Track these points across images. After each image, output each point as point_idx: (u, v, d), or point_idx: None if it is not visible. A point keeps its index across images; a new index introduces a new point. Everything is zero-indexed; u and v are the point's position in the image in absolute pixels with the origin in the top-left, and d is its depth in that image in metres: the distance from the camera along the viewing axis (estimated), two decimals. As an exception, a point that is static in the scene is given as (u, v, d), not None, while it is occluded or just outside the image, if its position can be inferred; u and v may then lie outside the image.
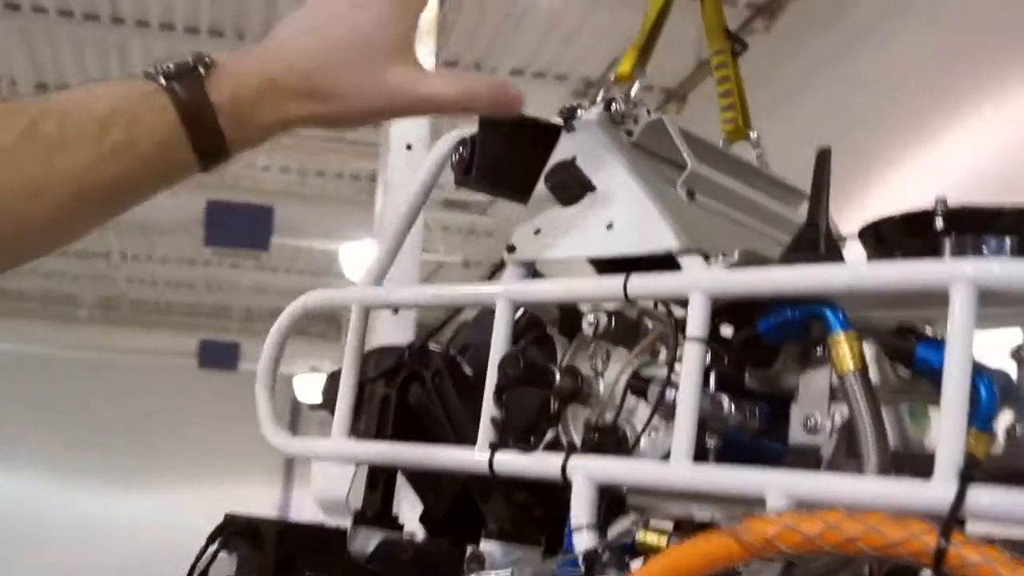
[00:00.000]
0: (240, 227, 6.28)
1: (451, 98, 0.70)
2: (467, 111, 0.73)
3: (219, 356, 8.54)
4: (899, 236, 0.74)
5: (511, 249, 0.79)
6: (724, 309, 0.71)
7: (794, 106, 4.09)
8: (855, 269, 0.64)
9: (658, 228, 0.72)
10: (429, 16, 3.04)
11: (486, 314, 0.82)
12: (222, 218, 6.01)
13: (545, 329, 0.82)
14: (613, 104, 0.81)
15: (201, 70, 0.65)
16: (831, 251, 0.68)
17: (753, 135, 0.97)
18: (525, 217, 0.79)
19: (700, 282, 0.68)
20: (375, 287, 0.84)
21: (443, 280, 8.86)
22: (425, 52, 3.45)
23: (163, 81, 0.65)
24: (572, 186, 0.77)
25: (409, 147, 3.19)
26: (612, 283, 0.71)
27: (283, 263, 8.31)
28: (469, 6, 4.70)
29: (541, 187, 0.79)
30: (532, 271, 0.82)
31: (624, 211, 0.74)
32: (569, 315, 0.79)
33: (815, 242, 0.68)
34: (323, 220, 6.96)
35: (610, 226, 0.74)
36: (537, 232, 0.78)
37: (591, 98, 0.85)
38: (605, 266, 0.78)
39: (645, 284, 0.70)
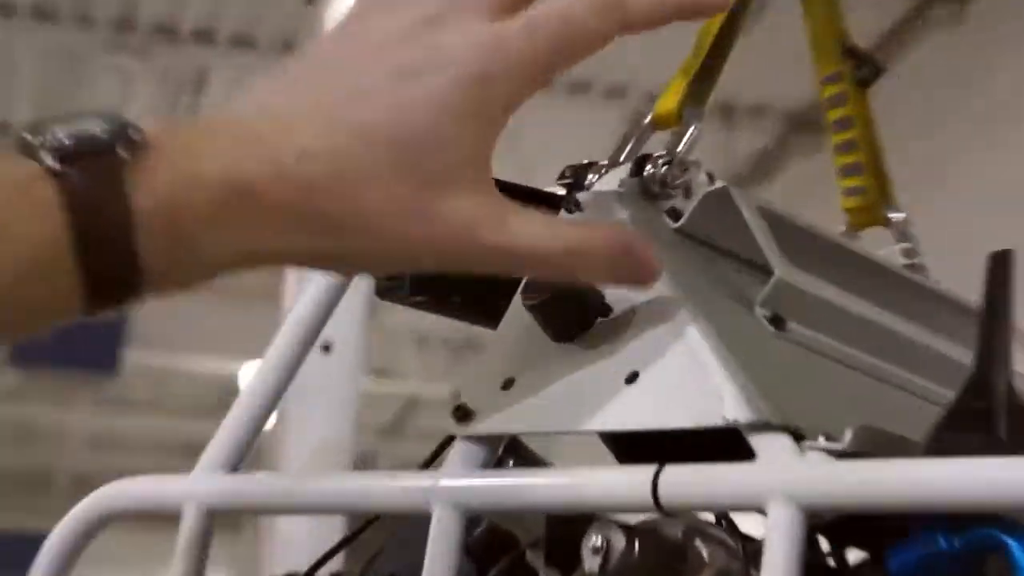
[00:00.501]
0: (75, 339, 6.34)
1: (551, 255, 0.68)
2: (573, 276, 0.72)
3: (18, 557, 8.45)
4: None
5: (463, 414, 0.78)
6: (843, 524, 0.69)
7: (998, 132, 4.12)
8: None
9: (715, 385, 0.70)
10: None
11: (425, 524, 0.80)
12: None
13: (523, 551, 0.81)
14: (648, 166, 0.81)
15: (121, 151, 0.62)
16: (1017, 431, 0.66)
17: (897, 217, 0.97)
18: (489, 357, 0.79)
19: (785, 484, 0.66)
20: (223, 475, 0.83)
21: (418, 425, 8.86)
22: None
23: (52, 162, 0.61)
24: (570, 308, 0.76)
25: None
26: (631, 480, 0.70)
27: (145, 393, 8.34)
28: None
29: (518, 306, 0.79)
30: (508, 446, 0.81)
31: (658, 352, 0.73)
32: (562, 531, 0.77)
33: (986, 415, 0.66)
34: (210, 326, 7.01)
35: (633, 378, 0.73)
36: (508, 384, 0.77)
37: (611, 157, 0.84)
38: (623, 443, 0.78)
39: (689, 484, 0.68)
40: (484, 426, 0.77)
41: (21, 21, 5.26)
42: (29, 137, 0.62)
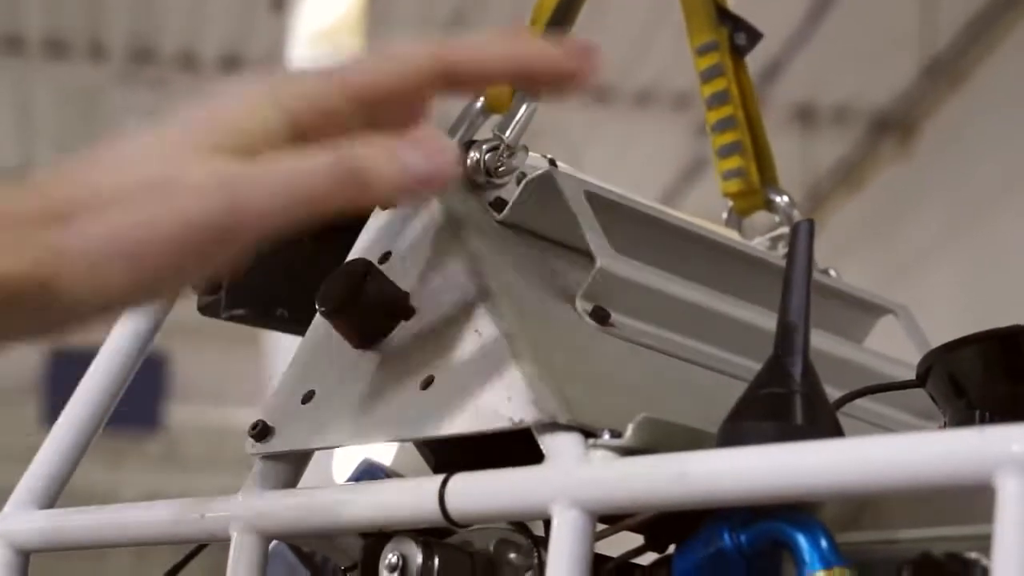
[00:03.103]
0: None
1: None
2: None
3: None
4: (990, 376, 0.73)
5: (261, 431, 0.78)
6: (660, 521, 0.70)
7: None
8: (846, 451, 0.61)
9: (504, 386, 0.70)
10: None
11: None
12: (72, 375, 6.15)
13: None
14: (472, 154, 0.80)
15: None
16: (814, 417, 0.65)
17: (780, 200, 0.97)
18: (291, 370, 0.79)
19: (566, 487, 0.66)
20: (35, 512, 0.84)
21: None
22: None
23: None
24: (369, 313, 0.76)
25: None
26: (418, 493, 0.70)
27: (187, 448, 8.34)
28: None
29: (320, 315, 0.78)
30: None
31: (454, 355, 0.73)
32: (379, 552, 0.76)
33: (783, 401, 0.66)
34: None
35: (428, 383, 0.73)
36: (308, 398, 0.78)
37: None
38: (440, 450, 0.79)
39: (475, 493, 0.69)
40: (280, 442, 0.77)
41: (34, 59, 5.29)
42: None
